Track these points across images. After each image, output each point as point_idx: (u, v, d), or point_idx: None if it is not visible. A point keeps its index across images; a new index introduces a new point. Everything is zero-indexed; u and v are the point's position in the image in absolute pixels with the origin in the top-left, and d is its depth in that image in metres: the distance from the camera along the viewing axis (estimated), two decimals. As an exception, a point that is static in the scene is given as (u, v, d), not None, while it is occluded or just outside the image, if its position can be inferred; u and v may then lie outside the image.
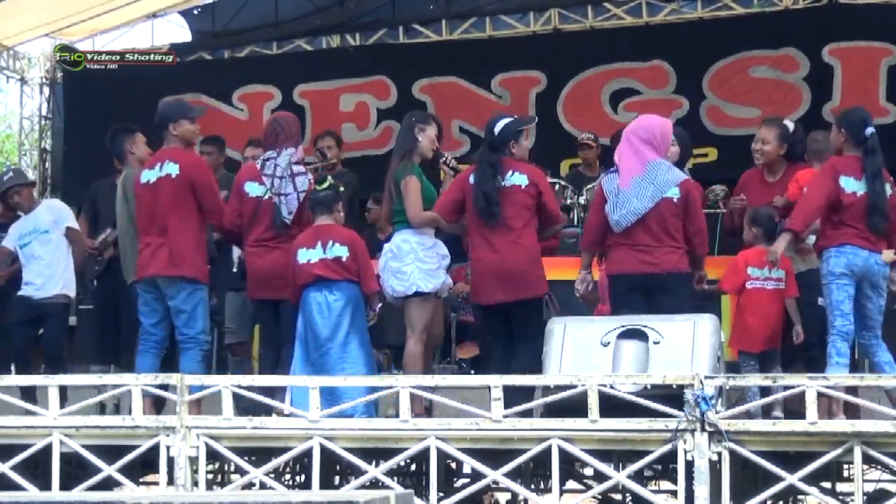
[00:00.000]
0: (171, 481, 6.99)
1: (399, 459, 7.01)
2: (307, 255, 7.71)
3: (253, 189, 8.02)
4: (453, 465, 8.93)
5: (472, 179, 7.69)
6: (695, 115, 13.18)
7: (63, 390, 7.74)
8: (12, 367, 9.01)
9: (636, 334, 6.89)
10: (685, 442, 6.37)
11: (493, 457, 6.83)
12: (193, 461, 7.02)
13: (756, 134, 8.48)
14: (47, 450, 7.18)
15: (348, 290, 7.69)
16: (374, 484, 7.06)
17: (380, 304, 7.95)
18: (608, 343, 6.88)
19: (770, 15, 13.38)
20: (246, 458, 7.23)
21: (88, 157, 13.13)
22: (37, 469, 7.48)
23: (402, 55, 14.56)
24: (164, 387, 7.19)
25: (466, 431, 6.76)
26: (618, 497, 9.24)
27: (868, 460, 6.62)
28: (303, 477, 9.50)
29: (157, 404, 7.55)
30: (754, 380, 7.00)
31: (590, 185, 10.85)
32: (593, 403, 6.50)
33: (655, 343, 6.82)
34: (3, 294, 9.43)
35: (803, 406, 6.42)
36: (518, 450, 6.71)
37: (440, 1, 14.76)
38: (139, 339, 8.15)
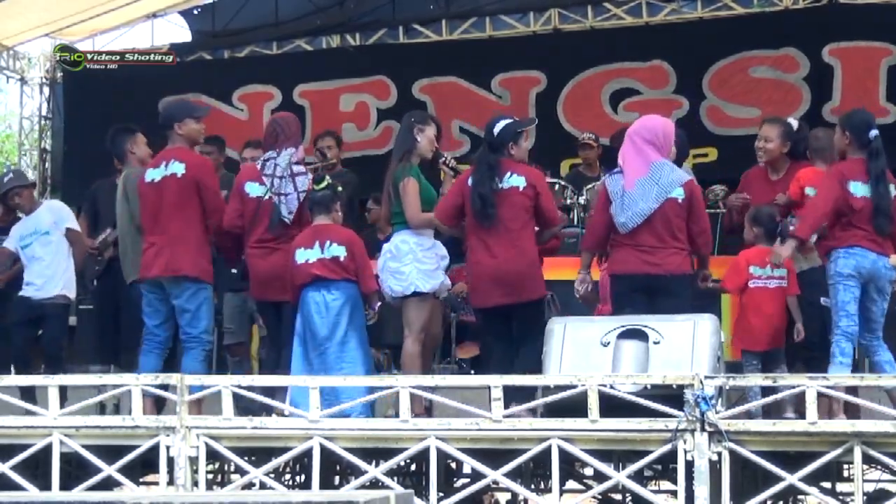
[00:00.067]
0: (171, 481, 6.99)
1: (399, 459, 7.01)
2: (305, 255, 7.71)
3: (253, 189, 8.02)
4: (453, 465, 8.93)
5: (470, 181, 7.68)
6: (695, 115, 13.18)
7: (63, 390, 7.74)
8: (12, 368, 9.00)
9: (636, 334, 6.89)
10: (685, 442, 6.38)
11: (493, 457, 6.83)
12: (193, 461, 7.02)
13: (759, 132, 8.45)
14: (47, 450, 7.18)
15: (346, 290, 7.69)
16: (374, 484, 7.06)
17: (379, 304, 7.95)
18: (608, 343, 6.88)
19: (770, 15, 13.38)
20: (246, 458, 7.23)
21: (88, 157, 13.14)
22: (37, 469, 7.48)
23: (402, 55, 14.56)
24: (165, 387, 7.19)
25: (466, 431, 6.76)
26: (618, 497, 9.24)
27: (868, 460, 6.62)
28: (303, 477, 9.50)
29: (158, 404, 7.55)
30: (754, 380, 7.00)
31: (590, 185, 10.85)
32: (593, 403, 6.50)
33: (655, 343, 6.82)
34: (4, 294, 9.44)
35: (803, 406, 6.42)
36: (518, 450, 6.71)
37: (440, 1, 14.75)
38: (143, 338, 8.14)
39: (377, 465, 7.07)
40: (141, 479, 8.35)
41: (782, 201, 8.04)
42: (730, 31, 13.46)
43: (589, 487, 8.09)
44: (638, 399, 6.48)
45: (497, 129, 7.69)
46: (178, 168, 7.95)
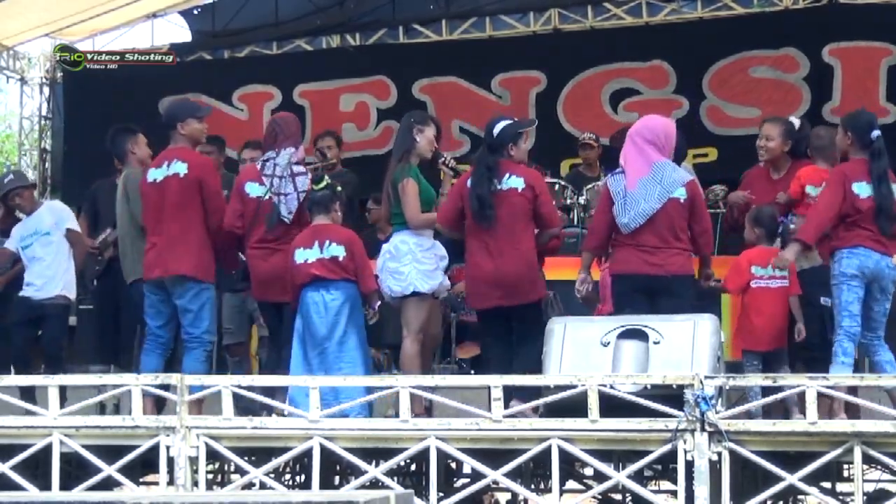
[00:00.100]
0: (171, 481, 6.99)
1: (399, 459, 7.01)
2: (304, 255, 7.71)
3: (253, 190, 8.01)
4: (453, 465, 8.93)
5: (468, 183, 7.68)
6: (695, 115, 13.18)
7: (63, 390, 7.74)
8: (12, 368, 9.00)
9: (636, 334, 6.89)
10: (685, 442, 6.37)
11: (493, 457, 6.83)
12: (193, 461, 7.02)
13: (760, 130, 8.44)
14: (47, 450, 7.18)
15: (346, 290, 7.69)
16: (374, 484, 7.06)
17: (378, 303, 7.95)
18: (608, 343, 6.88)
19: (770, 15, 13.38)
20: (246, 458, 7.23)
21: (88, 157, 13.14)
22: (37, 469, 7.48)
23: (402, 55, 14.56)
24: (165, 387, 7.18)
25: (466, 431, 6.76)
26: (618, 497, 9.24)
27: (868, 460, 6.62)
28: (303, 477, 9.50)
29: (159, 403, 7.55)
30: (754, 380, 7.00)
31: (590, 185, 10.85)
32: (593, 403, 6.50)
33: (655, 343, 6.82)
34: (4, 295, 9.44)
35: (804, 406, 6.43)
36: (518, 450, 6.71)
37: (440, 1, 14.76)
38: (146, 338, 8.12)
39: (377, 465, 7.07)
40: (141, 479, 8.34)
41: (783, 200, 8.04)
42: (730, 31, 13.47)
43: (589, 487, 8.09)
44: (638, 399, 6.48)
45: (496, 130, 7.69)
46: (180, 168, 7.94)
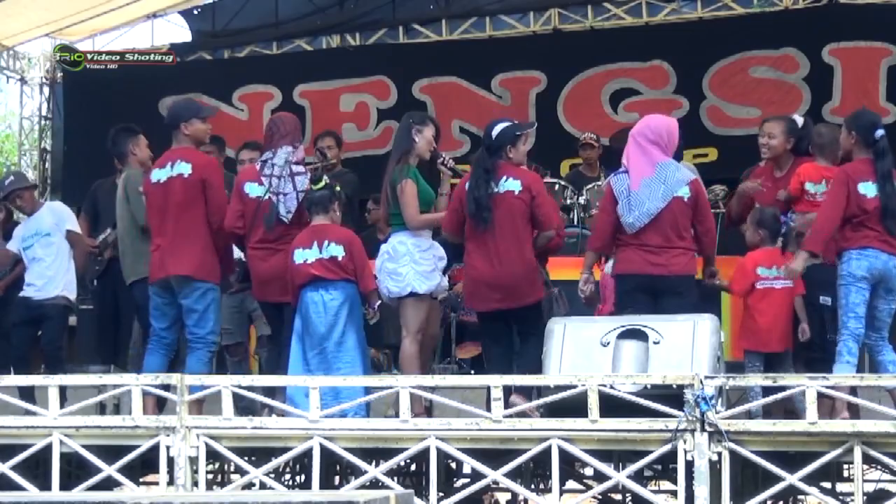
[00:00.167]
0: (171, 481, 6.99)
1: (399, 459, 7.01)
2: (304, 256, 7.70)
3: (253, 190, 8.00)
4: (453, 465, 8.93)
5: (466, 186, 7.68)
6: (695, 115, 13.19)
7: (63, 390, 7.74)
8: (12, 368, 9.00)
9: (636, 334, 6.89)
10: (685, 442, 6.37)
11: (493, 457, 6.83)
12: (193, 461, 7.02)
13: (762, 128, 8.42)
14: (47, 450, 7.18)
15: (345, 290, 7.68)
16: (374, 484, 7.06)
17: (378, 303, 7.95)
18: (608, 343, 6.88)
19: (770, 15, 13.39)
20: (246, 458, 7.23)
21: (88, 157, 13.16)
22: (37, 469, 7.48)
23: (402, 55, 14.57)
24: (165, 387, 7.18)
25: (466, 431, 6.76)
26: (618, 497, 9.24)
27: (868, 460, 6.62)
28: (303, 477, 9.50)
29: (160, 403, 7.55)
30: (754, 380, 7.00)
31: (590, 185, 10.85)
32: (593, 403, 6.50)
33: (655, 343, 6.82)
34: (5, 295, 9.45)
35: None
36: (518, 450, 6.71)
37: (440, 1, 14.77)
38: (150, 338, 8.10)
39: (377, 465, 7.07)
40: (141, 479, 8.34)
41: (782, 197, 8.03)
42: (730, 31, 13.48)
43: (589, 487, 8.09)
44: (638, 399, 6.48)
45: (495, 132, 7.68)
46: (184, 168, 7.91)
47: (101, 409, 8.15)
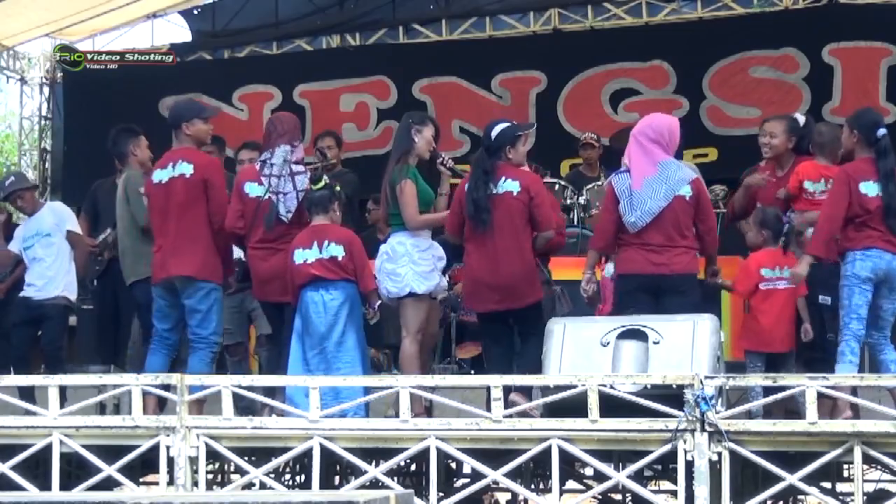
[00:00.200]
0: (171, 481, 6.99)
1: (399, 459, 7.01)
2: (303, 256, 7.70)
3: (253, 190, 8.00)
4: (453, 465, 8.93)
5: (466, 187, 7.68)
6: (695, 115, 13.19)
7: (63, 390, 7.74)
8: (12, 368, 9.00)
9: (636, 334, 6.88)
10: (685, 442, 6.37)
11: (493, 457, 6.83)
12: (193, 461, 7.02)
13: (764, 127, 8.40)
14: (47, 450, 7.18)
15: (345, 290, 7.68)
16: (374, 484, 7.06)
17: (379, 302, 7.95)
18: (608, 343, 6.87)
19: (770, 15, 13.40)
20: (246, 458, 7.23)
21: (88, 157, 13.16)
22: (37, 469, 7.48)
23: (402, 55, 14.57)
24: (165, 387, 7.18)
25: (466, 431, 6.76)
26: (618, 497, 9.24)
27: (868, 460, 6.62)
28: (303, 477, 9.50)
29: (162, 404, 7.55)
30: (754, 380, 7.00)
31: (590, 185, 10.85)
32: (593, 403, 6.50)
33: (655, 343, 6.82)
34: (5, 296, 9.45)
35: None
36: (518, 450, 6.71)
37: (440, 1, 14.77)
38: (152, 338, 8.10)
39: (377, 465, 7.07)
40: (141, 479, 8.34)
41: (782, 196, 8.02)
42: (730, 31, 13.48)
43: (589, 487, 8.09)
44: (638, 399, 6.48)
45: (494, 133, 7.68)
46: (186, 168, 7.90)
47: (101, 409, 8.15)
